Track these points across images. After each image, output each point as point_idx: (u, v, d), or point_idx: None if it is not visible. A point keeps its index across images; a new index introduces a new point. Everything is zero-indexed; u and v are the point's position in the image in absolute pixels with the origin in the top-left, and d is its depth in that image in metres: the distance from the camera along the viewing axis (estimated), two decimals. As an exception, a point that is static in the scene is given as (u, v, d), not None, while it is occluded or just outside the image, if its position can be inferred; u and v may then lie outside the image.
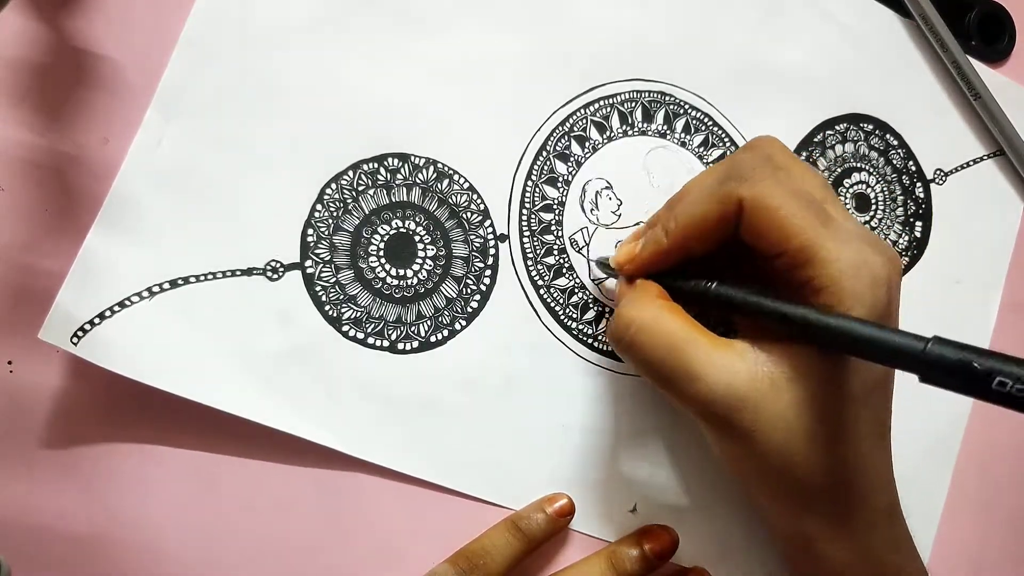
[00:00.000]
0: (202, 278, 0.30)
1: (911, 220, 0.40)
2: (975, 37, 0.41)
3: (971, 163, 0.41)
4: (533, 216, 0.34)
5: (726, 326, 0.32)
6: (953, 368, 0.22)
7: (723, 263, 0.30)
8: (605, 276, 0.34)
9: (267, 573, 0.31)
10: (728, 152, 0.37)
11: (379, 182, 0.32)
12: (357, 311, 0.31)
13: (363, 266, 0.32)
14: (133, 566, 0.29)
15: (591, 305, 0.34)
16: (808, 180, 0.28)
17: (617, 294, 0.31)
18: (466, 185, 0.33)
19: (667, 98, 0.36)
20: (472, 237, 0.33)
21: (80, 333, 0.28)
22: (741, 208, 0.27)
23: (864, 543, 0.29)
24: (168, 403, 0.29)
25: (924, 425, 0.39)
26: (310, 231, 0.31)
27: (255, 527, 0.30)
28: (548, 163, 0.34)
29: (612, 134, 0.35)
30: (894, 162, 0.40)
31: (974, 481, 0.40)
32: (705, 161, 0.36)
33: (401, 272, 0.32)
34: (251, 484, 0.30)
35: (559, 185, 0.34)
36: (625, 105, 0.35)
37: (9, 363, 0.29)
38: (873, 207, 0.39)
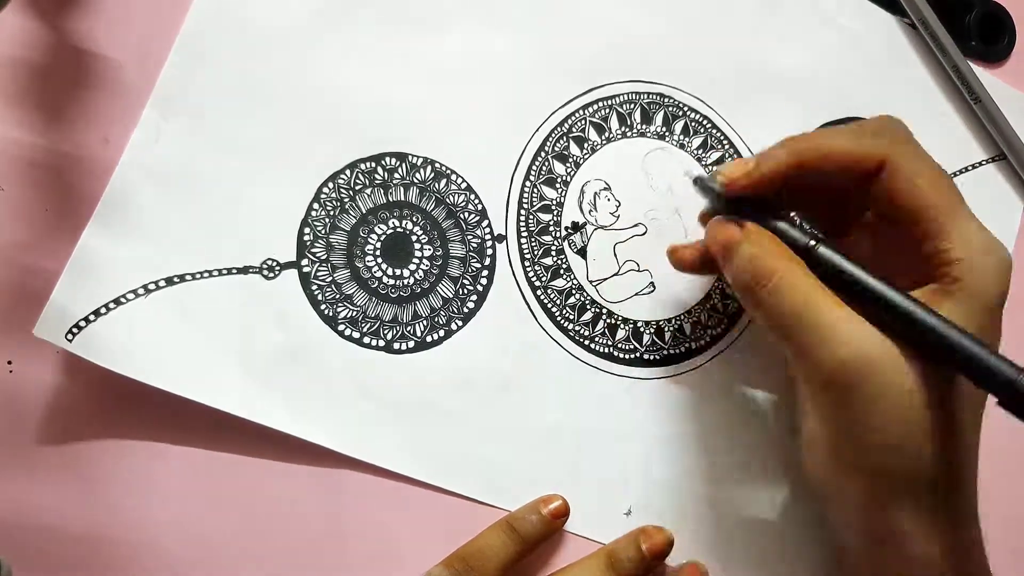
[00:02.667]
0: (198, 276, 0.30)
1: (910, 224, 0.40)
2: (975, 37, 0.41)
3: (970, 168, 0.41)
4: (531, 217, 0.34)
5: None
6: None
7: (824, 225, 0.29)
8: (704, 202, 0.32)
9: (266, 572, 0.30)
10: (727, 154, 0.37)
11: (376, 181, 0.32)
12: (353, 310, 0.31)
13: (360, 265, 0.32)
14: (133, 565, 0.29)
15: (588, 307, 0.34)
16: (938, 164, 0.28)
17: (723, 235, 0.29)
18: (464, 185, 0.33)
19: (666, 100, 0.36)
20: (469, 237, 0.33)
21: (75, 330, 0.28)
22: (882, 166, 0.27)
23: (951, 545, 0.28)
24: (168, 403, 0.29)
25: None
26: (307, 230, 0.31)
27: (255, 526, 0.30)
28: (547, 164, 0.34)
29: (611, 135, 0.35)
30: None
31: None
32: (704, 163, 0.36)
33: (398, 272, 0.32)
34: (251, 483, 0.30)
35: (557, 186, 0.34)
36: (624, 106, 0.35)
37: (9, 363, 0.29)
38: (872, 211, 0.39)
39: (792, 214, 0.29)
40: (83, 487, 0.29)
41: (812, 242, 0.28)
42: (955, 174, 0.41)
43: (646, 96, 0.36)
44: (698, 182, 0.31)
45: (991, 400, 0.24)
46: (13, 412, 0.29)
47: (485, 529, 0.32)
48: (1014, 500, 0.41)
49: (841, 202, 0.30)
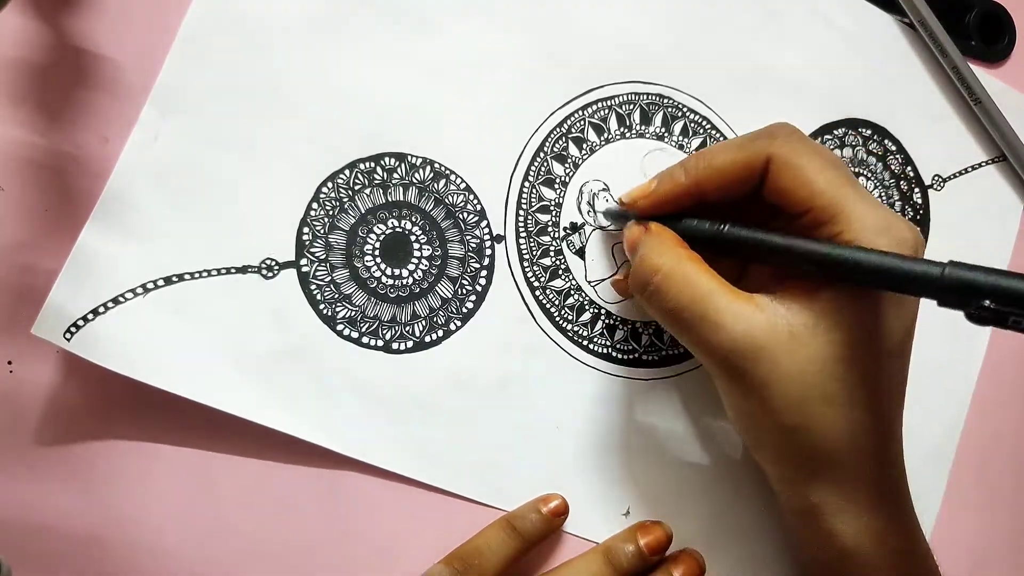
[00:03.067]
0: (197, 275, 0.30)
1: (909, 225, 0.40)
2: (975, 37, 0.41)
3: (969, 169, 0.41)
4: (530, 217, 0.34)
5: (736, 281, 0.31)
6: (966, 289, 0.22)
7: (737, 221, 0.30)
8: (613, 228, 0.34)
9: (265, 571, 0.30)
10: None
11: (375, 181, 0.32)
12: (352, 310, 0.31)
13: (358, 265, 0.32)
14: (133, 565, 0.29)
15: (587, 307, 0.34)
16: (828, 151, 0.29)
17: (629, 238, 0.31)
18: (463, 185, 0.33)
19: (666, 101, 0.36)
20: (468, 237, 0.33)
21: (73, 329, 0.28)
22: (768, 164, 0.28)
23: (874, 518, 0.28)
24: (168, 403, 0.29)
25: (921, 426, 0.38)
26: (306, 230, 0.31)
27: (255, 526, 0.30)
28: (545, 164, 0.34)
29: (610, 136, 0.35)
30: (892, 167, 0.40)
31: (972, 479, 0.40)
32: (703, 164, 0.36)
33: (396, 272, 0.32)
34: (251, 483, 0.30)
35: (556, 186, 0.34)
36: (623, 107, 0.35)
37: (9, 363, 0.29)
38: (871, 212, 0.39)
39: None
40: (83, 487, 0.29)
41: (722, 226, 0.29)
42: (953, 176, 0.41)
43: (645, 97, 0.36)
44: (608, 214, 0.34)
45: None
46: (13, 412, 0.29)
47: (485, 528, 0.32)
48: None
49: (757, 205, 0.30)
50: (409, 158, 0.32)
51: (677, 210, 0.30)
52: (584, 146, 0.35)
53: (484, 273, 0.33)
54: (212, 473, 0.30)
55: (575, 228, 0.34)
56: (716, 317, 0.27)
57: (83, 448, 0.29)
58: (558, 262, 0.34)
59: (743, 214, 0.29)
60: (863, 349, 0.27)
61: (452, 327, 0.32)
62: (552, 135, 0.34)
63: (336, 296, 0.31)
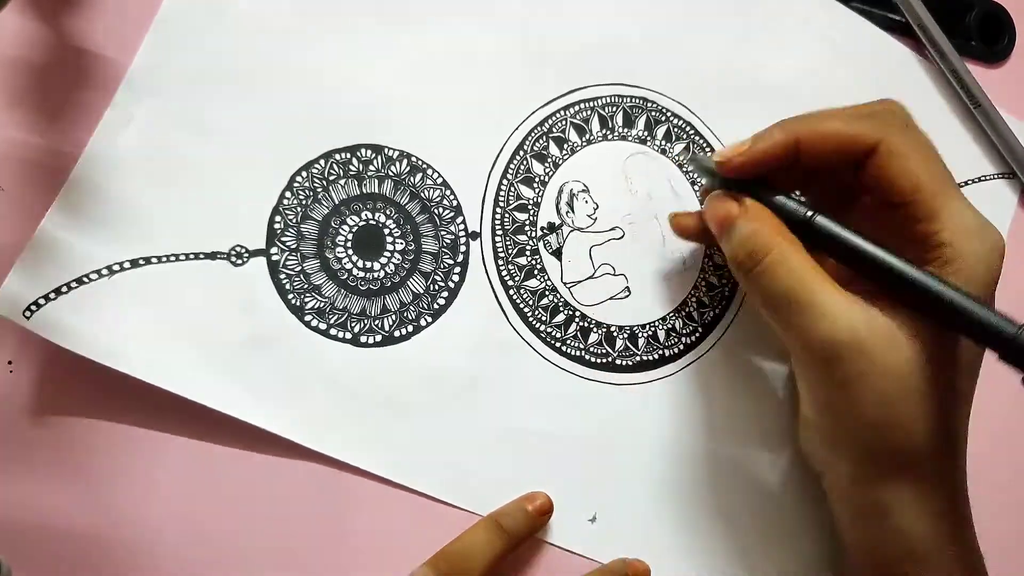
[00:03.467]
0: (164, 259, 0.30)
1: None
2: (975, 37, 0.41)
3: (971, 182, 0.41)
4: (507, 215, 0.34)
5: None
6: None
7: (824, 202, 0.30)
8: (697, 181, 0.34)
9: (266, 570, 0.30)
10: (709, 162, 0.36)
11: (351, 172, 0.32)
12: (321, 301, 0.31)
13: (330, 256, 0.31)
14: (133, 565, 0.29)
15: (561, 309, 0.34)
16: (934, 146, 0.29)
17: (719, 212, 0.30)
18: (440, 180, 0.33)
19: (649, 104, 0.36)
20: (443, 233, 0.33)
21: (34, 307, 0.27)
22: (874, 150, 0.28)
23: (942, 520, 0.28)
24: (168, 403, 0.29)
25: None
26: (277, 218, 0.31)
27: (255, 525, 0.30)
28: (525, 163, 0.34)
29: (591, 137, 0.35)
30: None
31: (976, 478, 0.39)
32: (685, 170, 0.36)
33: (368, 264, 0.32)
34: (253, 482, 0.30)
35: (535, 185, 0.34)
36: (606, 109, 0.35)
37: (9, 363, 0.29)
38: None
39: (792, 193, 0.30)
40: (83, 487, 0.29)
41: (810, 213, 0.28)
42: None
43: (629, 100, 0.35)
44: (694, 161, 0.33)
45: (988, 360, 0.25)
46: (13, 412, 0.29)
47: (470, 527, 0.32)
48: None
49: (837, 184, 0.30)
50: (386, 150, 0.32)
51: (766, 171, 0.29)
52: (565, 146, 0.35)
53: (457, 270, 0.33)
54: (213, 472, 0.30)
55: (553, 228, 0.34)
56: (822, 306, 0.27)
57: (83, 447, 0.29)
58: (534, 262, 0.34)
59: (830, 188, 0.29)
60: (950, 359, 0.27)
61: (422, 323, 0.32)
62: (533, 133, 0.34)
63: (305, 286, 0.31)
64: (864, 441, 0.29)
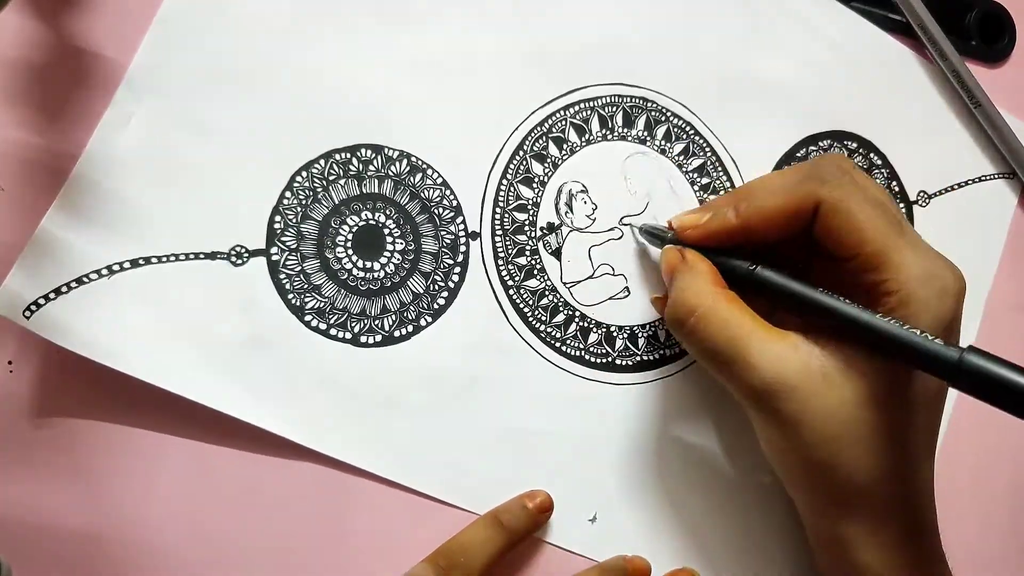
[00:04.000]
0: (164, 259, 0.30)
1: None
2: (975, 37, 0.41)
3: (956, 187, 0.41)
4: (506, 215, 0.34)
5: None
6: (983, 379, 0.24)
7: (788, 258, 0.31)
8: (644, 244, 0.35)
9: (266, 570, 0.30)
10: (709, 162, 0.36)
11: (351, 172, 0.32)
12: (321, 301, 0.31)
13: (330, 256, 0.31)
14: (133, 565, 0.29)
15: (561, 309, 0.34)
16: (882, 193, 0.29)
17: (667, 263, 0.31)
18: (439, 180, 0.33)
19: (649, 104, 0.36)
20: (443, 233, 0.33)
21: (33, 307, 0.27)
22: (817, 208, 0.28)
23: (902, 554, 0.29)
24: (168, 403, 0.29)
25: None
26: (277, 218, 0.31)
27: (255, 526, 0.30)
28: (524, 163, 0.34)
29: (591, 137, 0.35)
30: (877, 181, 0.39)
31: (967, 482, 0.39)
32: (684, 170, 0.36)
33: (368, 264, 0.32)
34: (251, 483, 0.30)
35: (534, 185, 0.34)
36: (606, 109, 0.35)
37: (9, 363, 0.29)
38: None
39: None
40: (83, 487, 0.29)
41: (752, 266, 0.29)
42: (939, 193, 0.40)
43: (629, 100, 0.35)
44: (643, 231, 0.34)
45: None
46: (13, 412, 0.29)
47: (469, 524, 0.32)
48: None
49: (797, 243, 0.30)
50: (386, 150, 0.32)
51: (723, 245, 0.31)
52: (564, 146, 0.35)
53: (457, 270, 0.33)
54: (213, 472, 0.30)
55: (552, 228, 0.34)
56: (750, 358, 0.28)
57: (83, 448, 0.29)
58: (533, 262, 0.34)
59: (792, 248, 0.30)
60: (893, 397, 0.27)
61: (422, 323, 0.32)
62: (532, 134, 0.34)
63: (305, 286, 0.31)
64: (811, 479, 0.29)
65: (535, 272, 0.34)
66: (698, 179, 0.36)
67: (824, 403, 0.27)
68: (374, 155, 0.32)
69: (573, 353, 0.34)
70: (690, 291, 0.29)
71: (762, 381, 0.27)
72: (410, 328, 0.32)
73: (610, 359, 0.34)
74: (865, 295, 0.28)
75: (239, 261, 0.30)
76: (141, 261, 0.29)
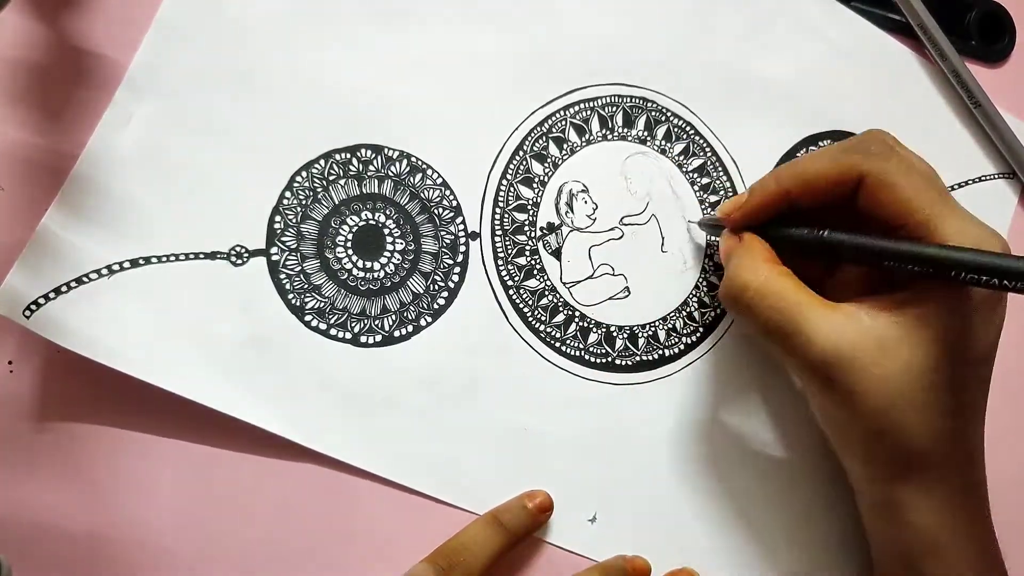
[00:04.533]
0: (164, 259, 0.30)
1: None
2: (975, 37, 0.41)
3: (956, 187, 0.41)
4: (506, 215, 0.34)
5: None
6: None
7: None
8: (709, 238, 0.35)
9: (266, 570, 0.30)
10: (709, 162, 0.36)
11: (351, 172, 0.32)
12: (321, 301, 0.31)
13: (330, 256, 0.31)
14: (133, 565, 0.29)
15: (561, 309, 0.34)
16: (926, 165, 0.29)
17: (723, 249, 0.32)
18: (439, 180, 0.33)
19: (649, 104, 0.36)
20: (443, 233, 0.33)
21: (33, 307, 0.27)
22: (861, 181, 0.29)
23: (955, 513, 0.29)
24: (168, 403, 0.29)
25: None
26: (277, 218, 0.31)
27: (255, 526, 0.30)
28: (524, 163, 0.34)
29: (591, 137, 0.35)
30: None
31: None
32: (685, 170, 0.36)
33: (368, 264, 0.32)
34: (252, 483, 0.30)
35: (534, 185, 0.34)
36: (606, 109, 0.35)
37: (9, 363, 0.29)
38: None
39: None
40: (83, 487, 0.29)
41: (821, 232, 0.29)
42: (953, 187, 0.40)
43: (629, 100, 0.35)
44: (702, 225, 0.35)
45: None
46: (13, 412, 0.29)
47: (469, 523, 0.32)
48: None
49: (842, 213, 0.30)
50: (386, 151, 0.32)
51: (769, 218, 0.31)
52: (565, 146, 0.35)
53: (457, 270, 0.33)
54: (212, 472, 0.30)
55: (552, 228, 0.34)
56: (807, 330, 0.28)
57: (83, 448, 0.29)
58: (533, 262, 0.34)
59: (836, 218, 0.30)
60: (948, 359, 0.28)
61: (422, 323, 0.32)
62: (532, 134, 0.34)
63: (305, 286, 0.31)
64: (868, 447, 0.29)
65: (535, 272, 0.34)
66: (698, 179, 0.36)
67: (882, 372, 0.27)
68: (374, 155, 0.32)
69: (573, 353, 0.34)
70: (744, 267, 0.30)
71: (822, 351, 0.28)
72: (410, 328, 0.32)
73: (610, 359, 0.34)
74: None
75: (239, 261, 0.30)
76: (141, 261, 0.29)
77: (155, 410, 0.29)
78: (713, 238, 0.35)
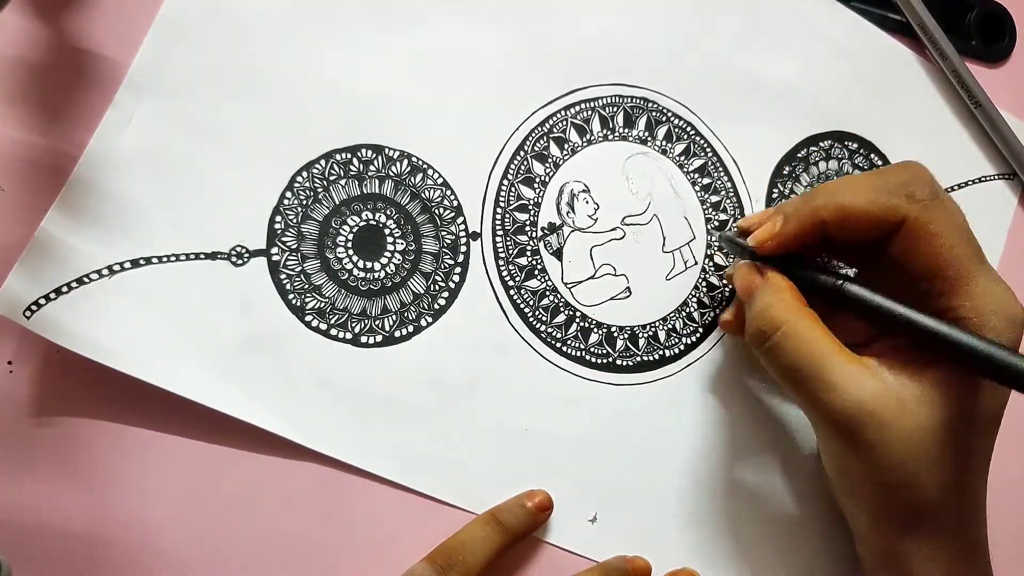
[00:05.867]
0: (165, 259, 0.29)
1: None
2: (975, 37, 0.41)
3: (956, 187, 0.41)
4: (507, 215, 0.33)
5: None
6: None
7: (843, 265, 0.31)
8: (725, 255, 0.35)
9: (265, 570, 0.30)
10: (710, 162, 0.36)
11: (351, 173, 0.32)
12: (321, 301, 0.31)
13: (330, 256, 0.31)
14: (133, 565, 0.29)
15: (562, 309, 0.34)
16: (964, 218, 0.29)
17: (745, 282, 0.31)
18: (440, 180, 0.33)
19: (650, 105, 0.36)
20: (443, 233, 0.33)
21: (34, 307, 0.27)
22: (902, 224, 0.28)
23: (958, 567, 0.29)
24: (168, 403, 0.29)
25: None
26: (278, 218, 0.31)
27: (255, 525, 0.30)
28: (525, 163, 0.34)
29: (592, 137, 0.35)
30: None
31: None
32: (686, 170, 0.36)
33: (369, 264, 0.32)
34: (251, 483, 0.30)
35: (535, 186, 0.34)
36: (607, 109, 0.35)
37: (9, 363, 0.29)
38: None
39: (821, 257, 0.31)
40: (83, 487, 0.29)
41: (839, 282, 0.29)
42: (953, 188, 0.40)
43: (629, 100, 0.35)
44: (727, 240, 0.34)
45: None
46: (13, 412, 0.29)
47: (469, 522, 0.32)
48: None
49: (866, 249, 0.31)
50: (386, 151, 0.32)
51: (799, 249, 0.31)
52: (566, 146, 0.34)
53: (458, 270, 0.33)
54: (213, 473, 0.30)
55: (553, 228, 0.34)
56: (831, 379, 0.28)
57: (84, 448, 0.29)
58: (534, 262, 0.34)
59: (853, 256, 0.30)
60: (962, 419, 0.28)
61: (423, 323, 0.32)
62: (533, 134, 0.34)
63: (306, 286, 0.31)
64: (878, 499, 0.30)
65: (536, 272, 0.34)
66: (699, 179, 0.36)
67: (901, 428, 0.27)
68: (375, 155, 0.32)
69: (573, 353, 0.34)
70: (776, 308, 0.29)
71: (843, 404, 0.28)
72: (410, 328, 0.32)
73: (610, 359, 0.34)
74: (935, 314, 0.28)
75: (240, 261, 0.30)
76: (141, 261, 0.29)
77: (155, 410, 0.29)
78: (729, 255, 0.35)
